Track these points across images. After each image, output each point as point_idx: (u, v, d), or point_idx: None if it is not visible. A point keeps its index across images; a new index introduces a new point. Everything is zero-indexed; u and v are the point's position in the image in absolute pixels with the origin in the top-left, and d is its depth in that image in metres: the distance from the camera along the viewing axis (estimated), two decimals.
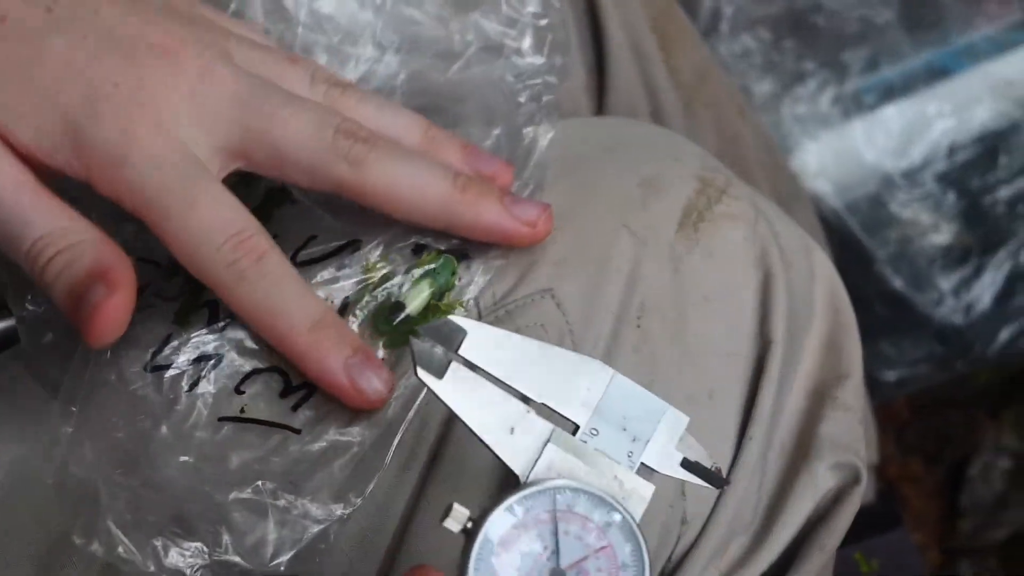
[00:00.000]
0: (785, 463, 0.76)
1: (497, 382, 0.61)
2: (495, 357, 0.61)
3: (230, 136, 0.69)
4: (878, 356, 1.47)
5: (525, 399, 0.62)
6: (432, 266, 0.71)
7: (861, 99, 1.46)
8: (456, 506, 0.59)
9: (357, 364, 0.68)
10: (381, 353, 0.70)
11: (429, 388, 0.61)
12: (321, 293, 0.71)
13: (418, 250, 0.72)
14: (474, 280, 0.72)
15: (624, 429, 0.61)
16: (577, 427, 0.62)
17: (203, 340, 0.70)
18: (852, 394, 0.78)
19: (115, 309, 0.65)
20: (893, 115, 1.46)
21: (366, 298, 0.71)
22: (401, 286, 0.71)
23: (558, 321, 0.72)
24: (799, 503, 0.74)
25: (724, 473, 0.72)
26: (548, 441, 0.61)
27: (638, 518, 0.60)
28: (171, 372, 0.69)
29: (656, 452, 0.62)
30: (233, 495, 0.66)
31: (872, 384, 1.48)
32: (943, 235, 1.45)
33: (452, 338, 0.61)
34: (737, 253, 0.75)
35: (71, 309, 0.66)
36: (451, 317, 0.61)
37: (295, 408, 0.69)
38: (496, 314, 0.72)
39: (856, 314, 0.82)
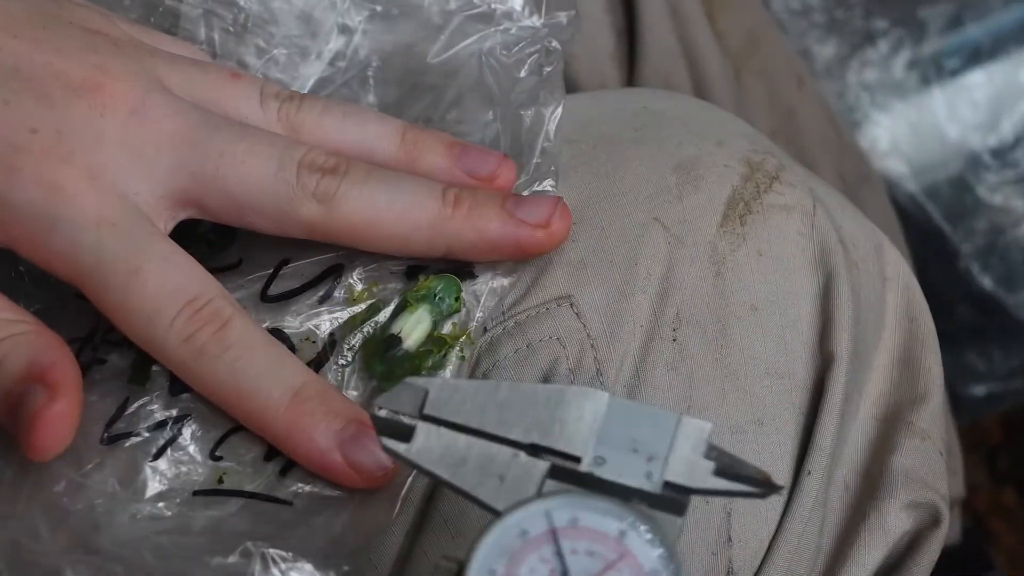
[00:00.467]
0: (850, 503, 0.75)
1: (476, 433, 0.62)
2: (466, 409, 0.62)
3: (175, 183, 0.69)
4: (964, 368, 1.47)
5: (513, 444, 0.62)
6: (432, 290, 0.71)
7: (942, 63, 1.46)
8: (442, 558, 0.60)
9: (351, 437, 0.67)
10: (371, 392, 0.69)
11: (399, 456, 0.61)
12: (300, 327, 0.70)
13: (412, 273, 0.72)
14: (482, 301, 0.71)
15: (635, 451, 0.61)
16: (579, 460, 0.61)
17: (166, 400, 0.69)
18: (931, 419, 0.77)
19: (59, 418, 0.64)
20: (980, 82, 1.45)
21: (356, 333, 0.71)
22: (396, 316, 0.71)
23: (578, 334, 0.71)
24: (868, 551, 0.73)
25: (778, 514, 0.71)
26: (545, 477, 0.61)
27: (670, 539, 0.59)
28: (131, 441, 0.68)
29: (680, 467, 0.61)
30: (216, 561, 0.65)
31: (957, 401, 1.48)
32: None
33: (412, 401, 0.62)
34: (791, 252, 0.75)
35: (5, 416, 0.65)
36: (408, 380, 0.62)
37: (283, 473, 0.68)
38: (505, 326, 0.72)
39: (937, 319, 0.81)
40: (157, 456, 0.68)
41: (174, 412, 0.69)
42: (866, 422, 0.77)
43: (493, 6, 0.78)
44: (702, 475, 0.61)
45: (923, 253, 1.38)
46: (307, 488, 0.68)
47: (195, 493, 0.68)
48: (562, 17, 0.79)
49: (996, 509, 1.56)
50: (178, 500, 0.67)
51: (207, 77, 0.72)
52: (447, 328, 0.71)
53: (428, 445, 0.61)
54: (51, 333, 0.67)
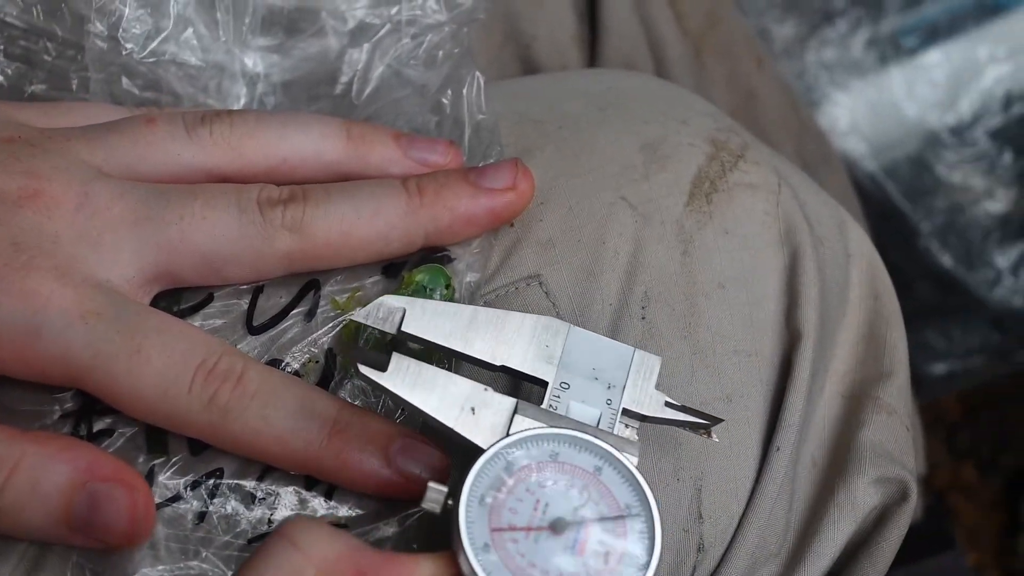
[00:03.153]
0: (819, 478, 0.76)
1: (451, 353, 0.66)
2: (442, 329, 0.66)
3: (143, 260, 0.69)
4: (924, 346, 1.48)
5: (485, 365, 0.66)
6: (420, 283, 0.71)
7: (899, 42, 1.46)
8: (431, 484, 0.62)
9: (401, 453, 0.66)
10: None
11: (375, 383, 0.64)
12: (298, 355, 0.70)
13: (389, 270, 0.72)
14: (464, 280, 0.72)
15: (596, 379, 0.66)
16: (546, 384, 0.66)
17: (190, 461, 0.68)
18: (897, 395, 0.78)
19: (147, 501, 0.64)
20: (938, 60, 1.45)
21: (358, 342, 0.71)
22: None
23: (548, 313, 0.71)
24: (836, 526, 0.74)
25: (748, 490, 0.72)
26: (515, 412, 0.64)
27: (634, 461, 0.63)
28: (171, 509, 0.68)
29: (636, 396, 0.66)
30: None
31: (917, 380, 1.48)
32: (998, 202, 1.45)
33: (390, 319, 0.66)
34: (758, 230, 0.75)
35: (78, 527, 0.64)
36: (385, 297, 0.66)
37: (328, 496, 0.68)
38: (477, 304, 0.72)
39: (898, 297, 0.82)
40: (201, 518, 0.67)
41: (204, 471, 0.68)
42: (832, 398, 0.77)
43: (397, 18, 0.79)
44: (656, 406, 0.66)
45: (883, 232, 1.38)
46: (357, 508, 0.68)
47: (250, 541, 0.67)
48: (466, 1, 0.79)
49: (957, 486, 1.57)
50: (235, 553, 0.67)
51: (124, 138, 0.71)
52: None
53: (403, 376, 0.64)
54: (72, 440, 0.66)
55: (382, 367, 0.64)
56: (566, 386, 0.66)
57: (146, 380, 0.66)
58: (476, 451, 0.62)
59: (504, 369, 0.66)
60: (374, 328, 0.68)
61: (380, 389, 0.64)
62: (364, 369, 0.64)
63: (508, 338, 0.66)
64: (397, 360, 0.64)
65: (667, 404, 0.66)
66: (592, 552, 0.61)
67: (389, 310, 0.66)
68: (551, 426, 0.63)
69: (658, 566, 0.61)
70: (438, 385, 0.64)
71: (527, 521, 0.61)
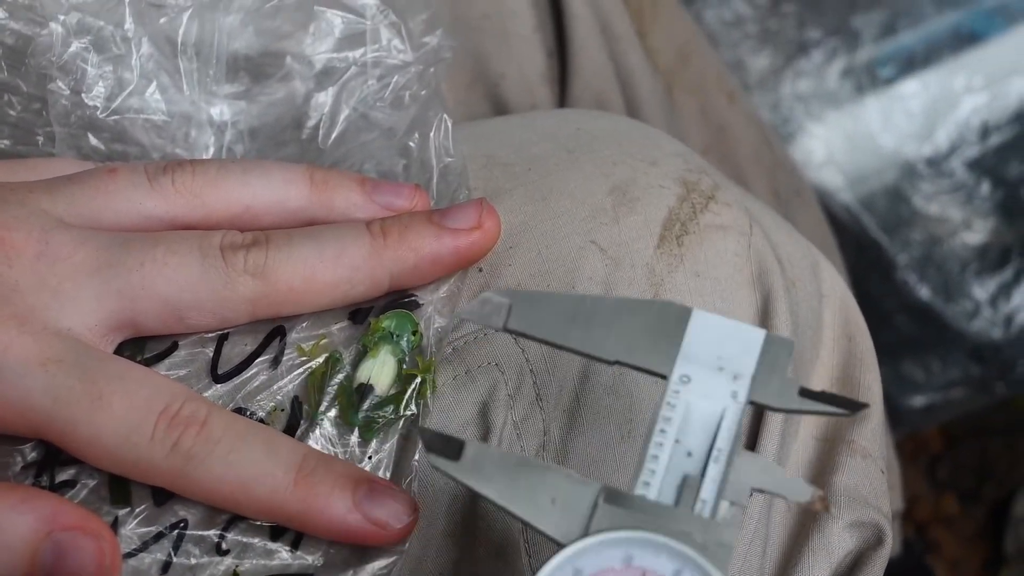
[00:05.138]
0: (792, 524, 0.76)
1: (560, 348, 0.63)
2: (550, 324, 0.63)
3: (104, 308, 0.69)
4: (903, 379, 1.48)
5: (599, 360, 0.63)
6: (387, 329, 0.71)
7: (876, 72, 1.46)
8: None
9: (367, 498, 0.66)
10: (354, 443, 0.69)
11: (449, 475, 0.61)
12: (264, 403, 0.70)
13: (355, 316, 0.72)
14: (433, 326, 0.72)
15: (720, 369, 0.62)
16: (665, 378, 0.62)
17: (154, 512, 0.68)
18: (871, 437, 0.78)
19: (114, 552, 0.63)
20: (915, 90, 1.46)
21: (325, 388, 0.70)
22: (356, 364, 0.71)
23: (516, 359, 0.72)
24: (811, 572, 0.74)
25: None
26: (597, 502, 0.61)
27: (724, 572, 0.59)
28: (136, 561, 0.67)
29: (764, 387, 0.62)
30: None
31: (896, 413, 1.49)
32: (977, 234, 1.46)
33: (496, 314, 0.64)
34: (729, 272, 0.75)
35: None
36: (488, 293, 0.64)
37: (295, 546, 0.68)
38: (442, 353, 0.72)
39: (875, 331, 0.82)
40: (166, 569, 0.67)
41: (168, 521, 0.68)
42: (806, 442, 0.77)
43: (363, 59, 0.79)
44: (788, 395, 0.62)
45: (860, 264, 1.38)
46: (323, 556, 0.68)
47: None
48: (431, 40, 0.80)
49: (938, 518, 1.57)
50: None
51: (86, 188, 0.71)
52: (417, 363, 0.71)
53: (478, 462, 0.61)
54: (24, 490, 0.65)
55: (455, 455, 0.61)
56: (686, 379, 0.62)
57: (108, 427, 0.66)
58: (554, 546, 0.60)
59: (620, 363, 0.63)
60: (343, 379, 0.68)
61: (451, 479, 0.61)
62: (436, 459, 0.61)
63: (624, 328, 0.63)
64: (471, 445, 0.61)
65: (802, 392, 0.62)
66: None
67: (496, 306, 0.64)
68: (628, 528, 0.60)
69: None
70: (517, 473, 0.61)
71: None
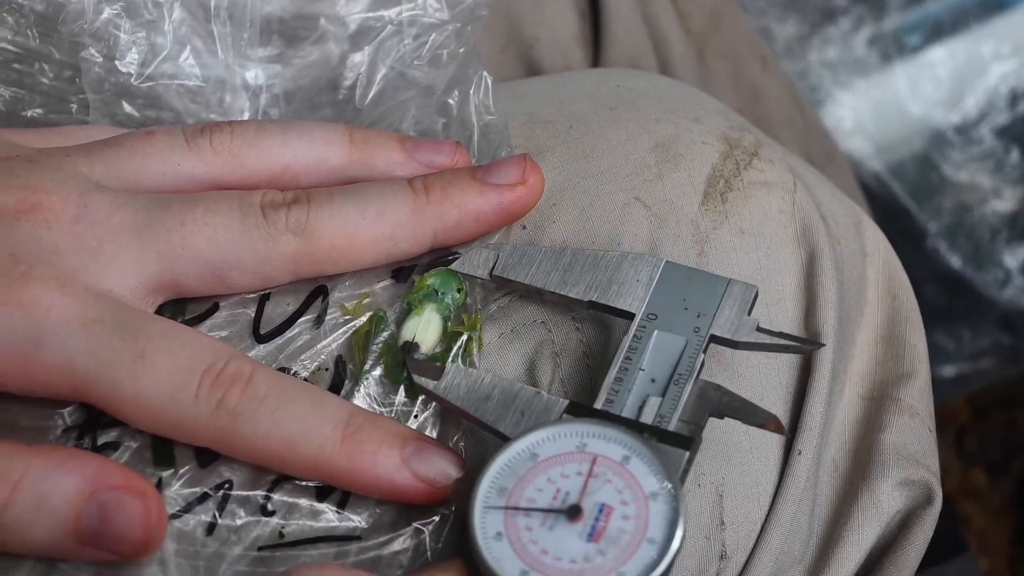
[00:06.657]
0: (841, 483, 0.75)
1: (540, 292, 0.70)
2: (532, 271, 0.70)
3: (145, 269, 0.68)
4: (932, 349, 1.46)
5: (573, 302, 0.69)
6: (432, 287, 0.71)
7: (903, 40, 1.46)
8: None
9: (416, 455, 0.66)
10: (399, 402, 0.69)
11: (429, 392, 0.67)
12: (307, 363, 0.70)
13: (399, 274, 0.72)
14: (477, 285, 0.72)
15: (685, 308, 0.69)
16: (632, 315, 0.68)
17: (199, 474, 0.68)
18: (919, 396, 0.78)
19: (158, 508, 0.64)
20: (942, 58, 1.46)
21: (368, 349, 0.70)
22: (402, 322, 0.71)
23: (563, 317, 0.72)
24: (861, 531, 0.73)
25: (770, 495, 0.71)
26: (563, 413, 0.66)
27: (676, 477, 0.63)
28: (180, 523, 0.67)
29: (726, 322, 0.68)
30: None
31: None
32: (1006, 201, 1.46)
33: (484, 263, 0.70)
34: (774, 229, 0.75)
35: (88, 540, 0.64)
36: (477, 246, 0.71)
37: (341, 506, 0.67)
38: (488, 311, 0.72)
39: None
40: (210, 531, 0.67)
41: (213, 483, 0.67)
42: (852, 401, 0.77)
43: (398, 18, 0.79)
44: (746, 330, 0.68)
45: (890, 232, 1.36)
46: (371, 518, 0.67)
47: (260, 548, 0.66)
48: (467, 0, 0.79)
49: (966, 490, 1.57)
50: (246, 568, 0.66)
51: (123, 151, 0.71)
52: (462, 320, 0.71)
53: (455, 383, 0.67)
54: (68, 448, 0.66)
55: (436, 376, 0.67)
56: (653, 317, 0.68)
57: (151, 386, 0.65)
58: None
59: (592, 305, 0.69)
60: (388, 337, 0.69)
61: (435, 399, 0.66)
62: (418, 378, 0.67)
63: (600, 275, 0.69)
64: (451, 370, 0.67)
65: (759, 329, 0.68)
66: (609, 539, 0.61)
67: (485, 257, 0.70)
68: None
69: (679, 548, 0.61)
70: (489, 392, 0.66)
71: (543, 515, 0.62)
